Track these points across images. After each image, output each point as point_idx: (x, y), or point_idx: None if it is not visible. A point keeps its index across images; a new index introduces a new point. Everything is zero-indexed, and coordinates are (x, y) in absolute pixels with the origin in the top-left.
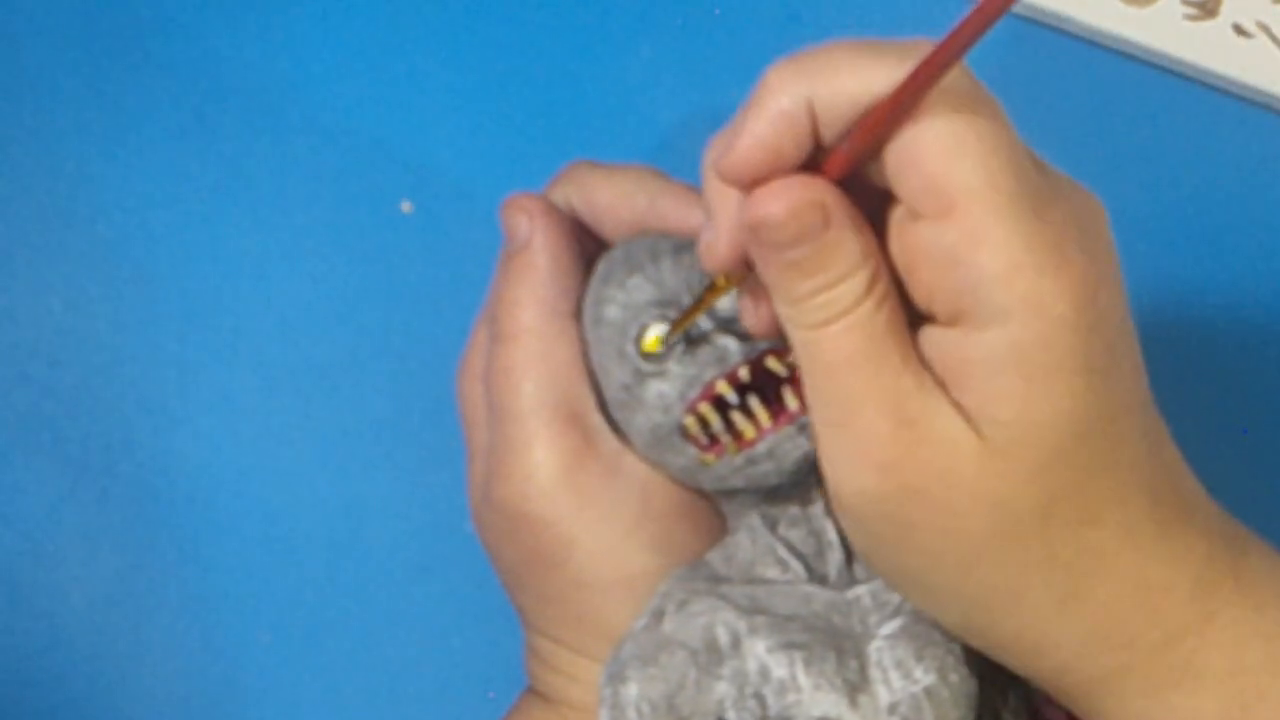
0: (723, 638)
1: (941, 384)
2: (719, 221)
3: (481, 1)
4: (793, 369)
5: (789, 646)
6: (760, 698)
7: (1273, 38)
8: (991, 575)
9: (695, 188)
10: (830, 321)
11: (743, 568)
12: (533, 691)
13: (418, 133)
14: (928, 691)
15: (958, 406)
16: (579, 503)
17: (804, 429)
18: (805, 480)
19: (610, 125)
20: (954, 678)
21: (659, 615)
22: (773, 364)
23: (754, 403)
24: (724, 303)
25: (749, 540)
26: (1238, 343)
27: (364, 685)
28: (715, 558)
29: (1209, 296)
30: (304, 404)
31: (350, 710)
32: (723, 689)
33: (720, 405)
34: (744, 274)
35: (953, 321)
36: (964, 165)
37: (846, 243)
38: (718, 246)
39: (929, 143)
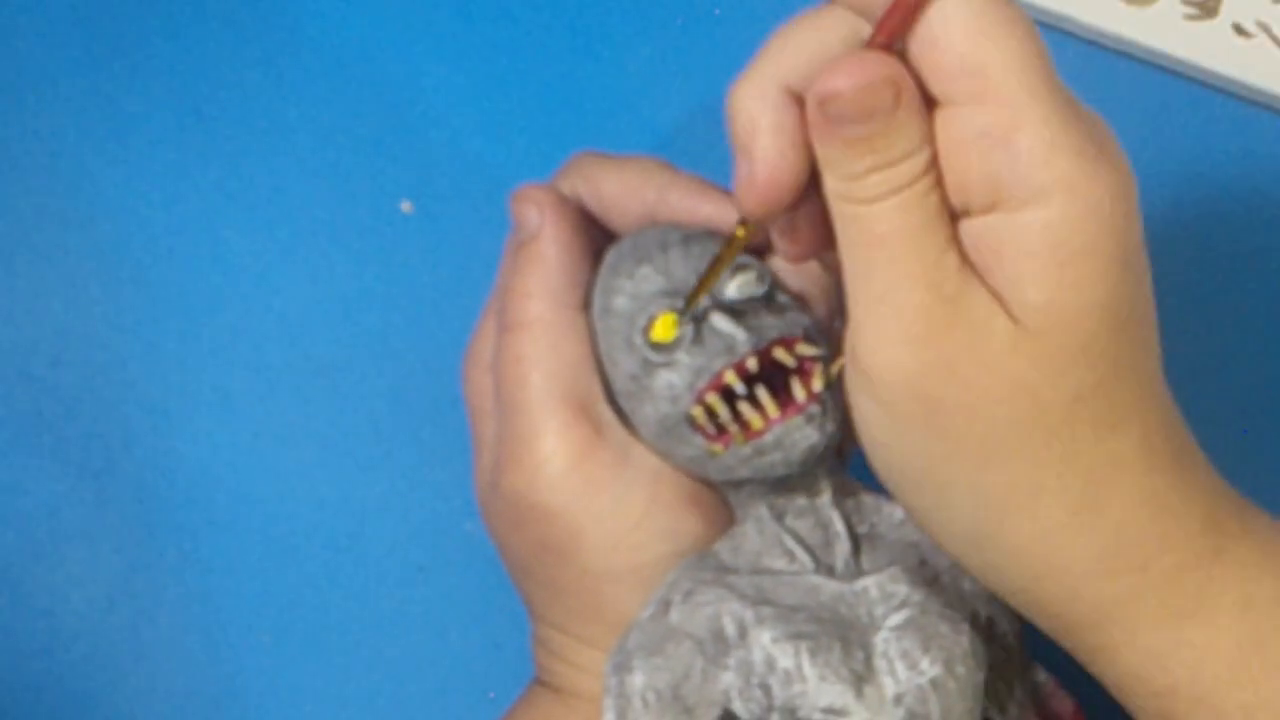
0: (729, 628)
1: (977, 268)
2: (756, 152)
3: (482, 1)
4: (801, 359)
5: (795, 637)
6: (766, 688)
7: (1273, 38)
8: (1009, 469)
9: (703, 179)
10: (884, 197)
11: (750, 558)
12: (540, 682)
13: (418, 133)
14: (934, 683)
15: (992, 292)
16: (588, 493)
17: (811, 419)
18: (813, 471)
19: (610, 125)
20: (960, 670)
21: (665, 605)
22: (781, 354)
23: (762, 393)
24: (733, 292)
25: (756, 531)
26: (1237, 342)
27: (364, 685)
28: (723, 548)
29: (1208, 296)
30: (304, 404)
31: (350, 710)
32: (728, 679)
33: (728, 396)
34: (773, 217)
35: (989, 208)
36: (996, 46)
37: (912, 123)
38: (756, 179)
39: (958, 25)
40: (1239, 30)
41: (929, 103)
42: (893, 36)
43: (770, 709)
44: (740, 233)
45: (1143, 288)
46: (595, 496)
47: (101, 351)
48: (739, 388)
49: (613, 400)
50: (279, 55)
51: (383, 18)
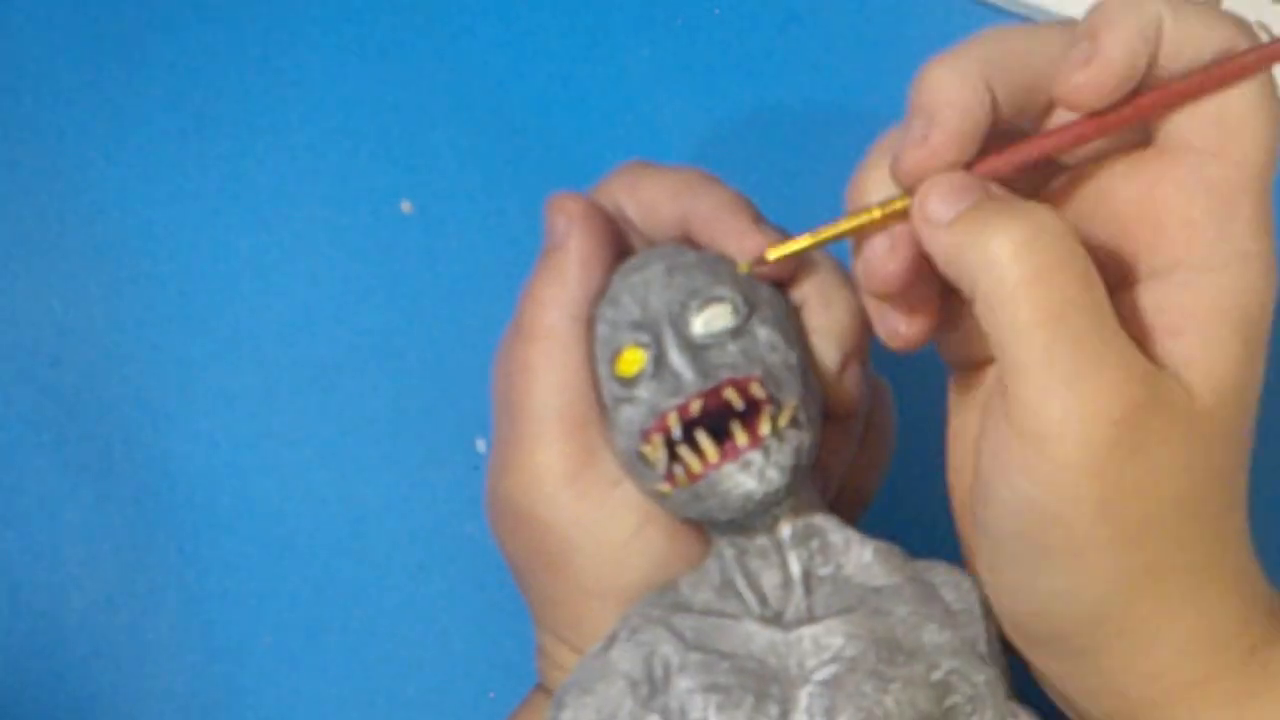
0: (658, 670)
1: (1147, 343)
2: (938, 116)
3: (481, 2)
4: (751, 401)
5: (709, 689)
6: None
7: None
8: (1157, 549)
9: (740, 200)
10: (1049, 269)
11: (706, 596)
12: (541, 688)
13: (418, 133)
14: None
15: (1165, 366)
16: (580, 509)
17: (747, 466)
18: (769, 513)
19: (610, 125)
20: None
21: (611, 640)
22: (730, 395)
23: (701, 437)
24: (699, 327)
25: (716, 568)
26: None
27: (364, 685)
28: (685, 582)
29: None
30: (304, 404)
31: (350, 710)
32: None
33: (688, 432)
34: (919, 180)
35: (1177, 265)
36: (1256, 117)
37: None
38: (930, 140)
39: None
40: None
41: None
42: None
43: None
44: (877, 213)
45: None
46: (588, 513)
47: (101, 351)
48: (676, 432)
49: None
50: (279, 55)
51: (382, 18)
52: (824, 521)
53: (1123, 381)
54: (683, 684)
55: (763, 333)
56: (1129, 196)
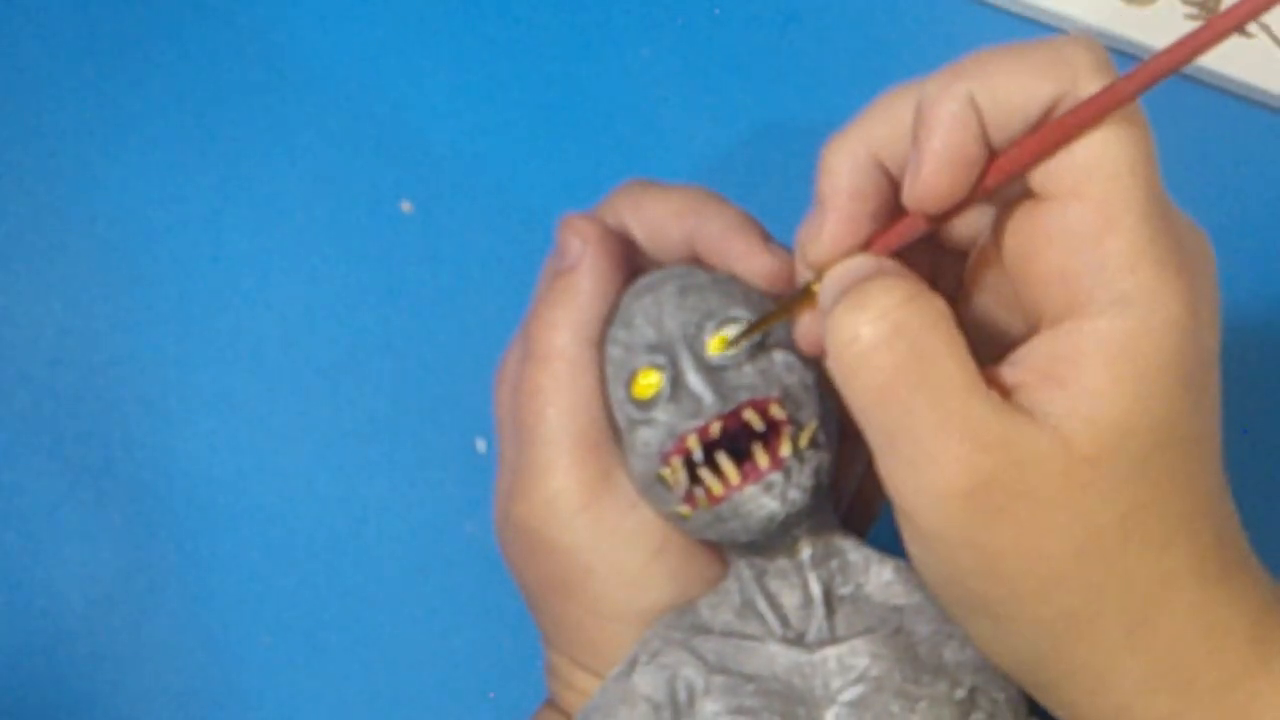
0: (681, 694)
1: (1028, 397)
2: (830, 208)
3: (481, 1)
4: (771, 423)
5: (736, 711)
6: None
7: (1273, 37)
8: (1069, 599)
9: (747, 218)
10: (874, 349)
11: (726, 617)
12: (551, 705)
13: (418, 133)
14: None
15: (1044, 417)
16: (597, 533)
17: (770, 488)
18: (789, 534)
19: (610, 125)
20: None
21: (632, 664)
22: (750, 417)
23: (723, 460)
24: (715, 349)
25: (736, 589)
26: (1238, 342)
27: (364, 685)
28: (704, 603)
29: None
30: (304, 404)
31: (350, 710)
32: None
33: (694, 460)
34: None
35: (1064, 316)
36: (1105, 145)
37: (896, 284)
38: (823, 233)
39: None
40: (1239, 30)
41: (1038, 196)
42: (1026, 163)
43: None
44: (815, 287)
45: (1208, 404)
46: (604, 537)
47: (101, 351)
48: (697, 455)
49: None
50: (279, 56)
51: (383, 18)
52: (843, 541)
53: (968, 454)
54: (709, 707)
55: (779, 354)
56: (1016, 251)
